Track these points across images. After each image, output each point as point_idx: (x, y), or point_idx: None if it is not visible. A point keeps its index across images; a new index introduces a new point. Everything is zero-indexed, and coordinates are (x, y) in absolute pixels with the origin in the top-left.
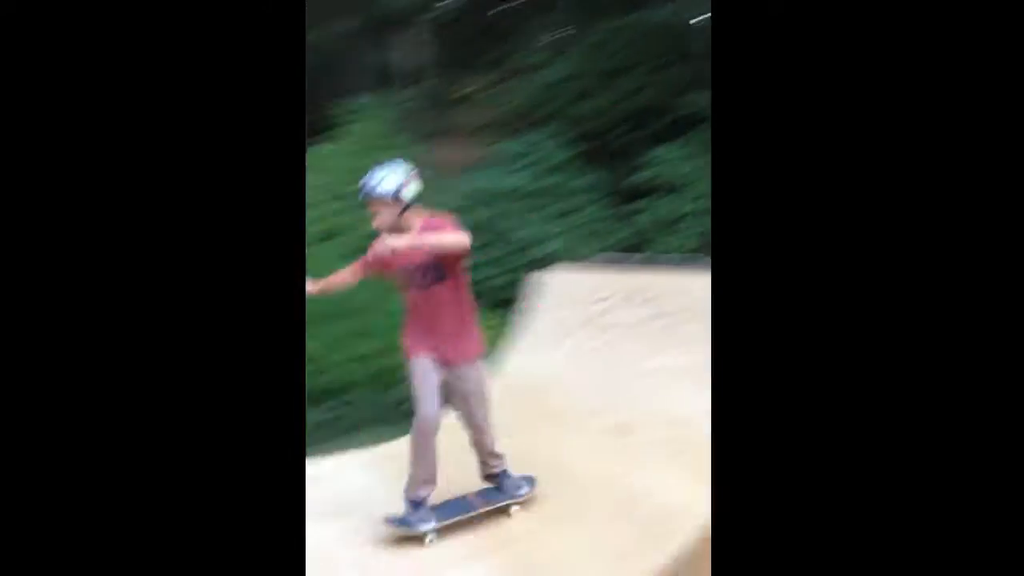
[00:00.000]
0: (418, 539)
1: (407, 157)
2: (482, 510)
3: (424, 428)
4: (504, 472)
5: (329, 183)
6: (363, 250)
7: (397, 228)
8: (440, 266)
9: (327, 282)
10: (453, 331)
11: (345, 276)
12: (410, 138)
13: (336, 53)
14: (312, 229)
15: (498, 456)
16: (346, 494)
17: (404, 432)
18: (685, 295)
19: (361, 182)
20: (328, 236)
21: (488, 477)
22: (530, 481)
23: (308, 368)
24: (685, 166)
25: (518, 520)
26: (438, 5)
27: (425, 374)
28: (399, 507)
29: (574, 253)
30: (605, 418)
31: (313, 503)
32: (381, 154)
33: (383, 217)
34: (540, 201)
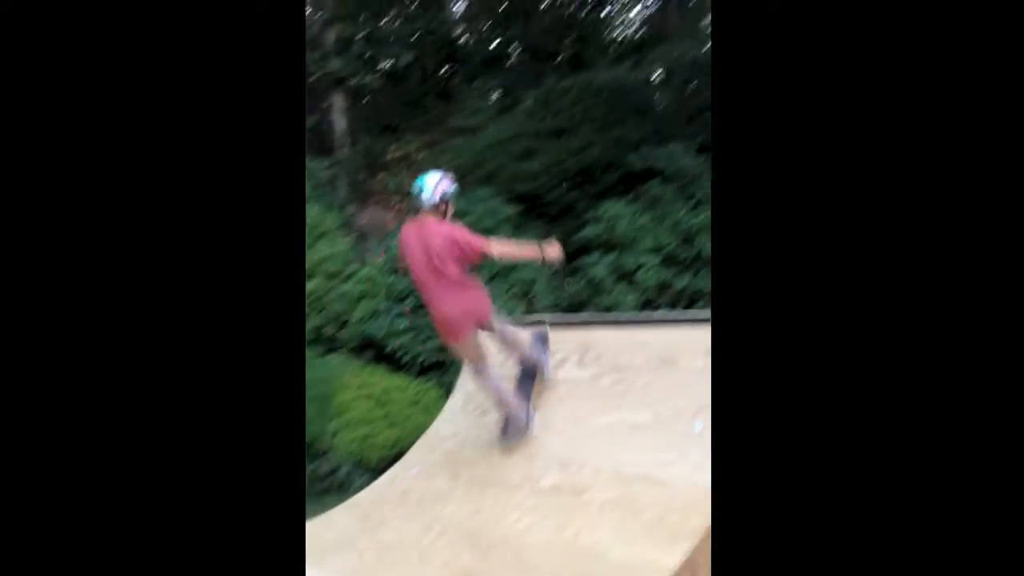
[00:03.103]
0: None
1: (327, 222)
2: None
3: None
4: None
5: None
6: None
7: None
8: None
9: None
10: None
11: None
12: (331, 203)
13: None
14: None
15: None
16: None
17: (321, 508)
18: (637, 350)
19: (413, 194)
20: None
21: None
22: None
23: None
24: (633, 221)
25: None
26: (375, 69)
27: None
28: None
29: (515, 313)
30: (553, 479)
31: None
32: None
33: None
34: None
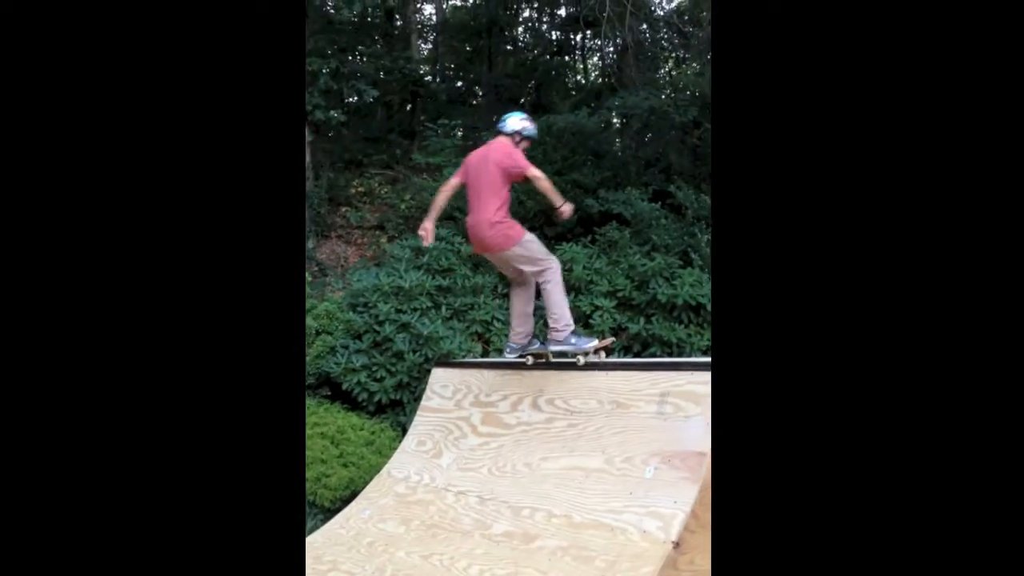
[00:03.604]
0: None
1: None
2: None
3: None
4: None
5: None
6: None
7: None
8: None
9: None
10: None
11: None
12: None
13: None
14: None
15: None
16: None
17: None
18: (590, 395)
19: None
20: None
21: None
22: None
23: None
24: (590, 264)
25: None
26: (340, 105)
27: None
28: None
29: (472, 352)
30: (505, 525)
31: None
32: None
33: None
34: (435, 299)
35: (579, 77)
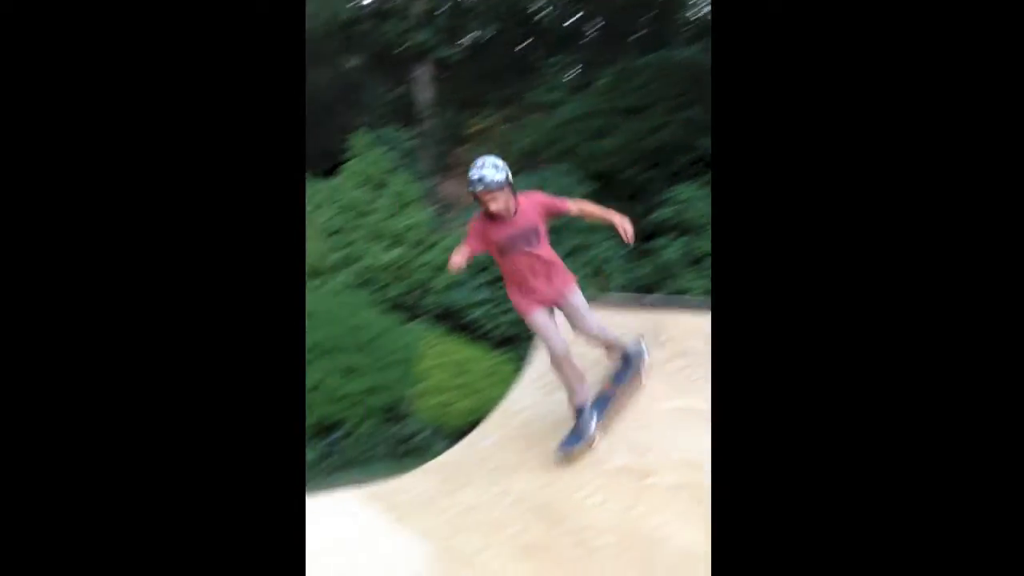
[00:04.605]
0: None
1: (411, 191)
2: (619, 393)
3: (561, 355)
4: (626, 354)
5: (330, 217)
6: (371, 280)
7: (509, 206)
8: (538, 230)
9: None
10: (550, 276)
11: (466, 254)
12: (415, 173)
13: (350, 88)
14: (316, 262)
15: (615, 347)
16: (344, 530)
17: (401, 469)
18: (704, 336)
19: (475, 177)
20: (334, 268)
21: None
22: (641, 347)
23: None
24: (704, 205)
25: (527, 564)
26: (458, 42)
27: (546, 321)
28: (399, 542)
29: (588, 292)
30: (621, 460)
31: (311, 540)
32: (382, 189)
33: (500, 201)
34: (552, 238)
35: (696, 11)
